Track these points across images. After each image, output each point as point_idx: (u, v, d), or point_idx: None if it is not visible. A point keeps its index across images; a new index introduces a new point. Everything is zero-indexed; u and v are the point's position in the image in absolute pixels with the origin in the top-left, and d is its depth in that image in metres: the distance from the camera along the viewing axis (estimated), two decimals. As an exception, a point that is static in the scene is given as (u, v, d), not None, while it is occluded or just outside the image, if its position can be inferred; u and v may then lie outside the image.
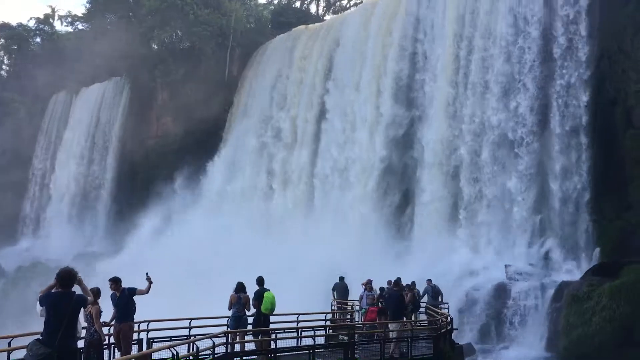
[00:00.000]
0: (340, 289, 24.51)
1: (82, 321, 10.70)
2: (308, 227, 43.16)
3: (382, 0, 45.29)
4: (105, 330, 13.52)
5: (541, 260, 30.76)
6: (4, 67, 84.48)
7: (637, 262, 25.57)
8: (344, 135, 44.11)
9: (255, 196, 49.77)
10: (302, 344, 16.44)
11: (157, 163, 59.71)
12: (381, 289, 22.28)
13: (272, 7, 70.98)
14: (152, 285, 13.82)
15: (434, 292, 24.30)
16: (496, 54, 34.80)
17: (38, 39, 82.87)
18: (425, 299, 24.33)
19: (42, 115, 73.31)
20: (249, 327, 16.35)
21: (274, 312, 16.22)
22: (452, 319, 20.98)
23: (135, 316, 13.91)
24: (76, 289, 8.58)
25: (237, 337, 15.69)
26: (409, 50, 40.80)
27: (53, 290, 8.47)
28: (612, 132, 30.83)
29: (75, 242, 60.26)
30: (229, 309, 16.27)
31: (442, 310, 22.93)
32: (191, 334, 16.13)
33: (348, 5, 71.60)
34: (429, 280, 24.84)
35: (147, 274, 13.84)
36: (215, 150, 55.13)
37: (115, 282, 13.65)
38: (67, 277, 8.32)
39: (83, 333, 12.10)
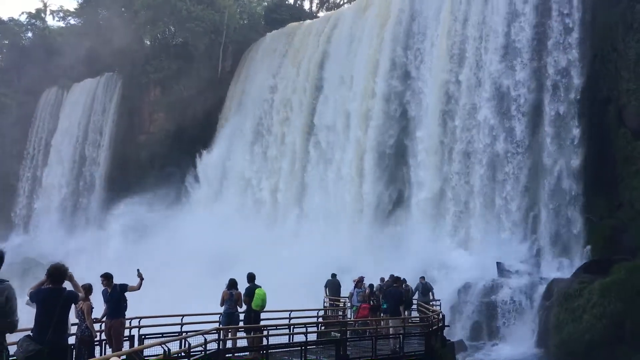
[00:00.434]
0: (333, 285, 24.53)
1: (73, 317, 10.66)
2: (300, 224, 43.21)
3: (375, -3, 45.34)
4: (96, 326, 13.46)
5: (532, 257, 30.90)
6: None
7: (628, 260, 25.73)
8: (336, 132, 44.10)
9: (248, 192, 49.73)
10: (294, 340, 16.45)
11: (150, 159, 59.56)
12: (371, 286, 22.31)
13: (266, 4, 70.82)
14: (143, 281, 13.77)
15: (424, 289, 24.35)
16: (491, 50, 34.84)
17: (30, 34, 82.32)
18: (416, 295, 24.39)
19: (34, 111, 72.89)
20: (241, 324, 16.33)
21: (265, 309, 16.21)
22: (443, 315, 21.04)
23: (127, 312, 13.87)
24: (67, 285, 8.54)
25: (229, 334, 15.66)
26: (402, 47, 40.80)
27: (44, 287, 8.43)
28: (604, 130, 30.99)
29: (67, 239, 60.04)
30: (221, 306, 16.26)
31: (434, 307, 22.99)
32: (183, 330, 16.10)
33: (341, 2, 71.54)
34: (422, 278, 24.90)
35: (138, 270, 13.77)
36: (208, 146, 55.01)
37: (106, 278, 13.56)
38: (57, 273, 8.27)
39: (73, 330, 12.04)
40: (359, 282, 22.43)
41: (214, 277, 31.11)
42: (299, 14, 64.15)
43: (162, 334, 15.56)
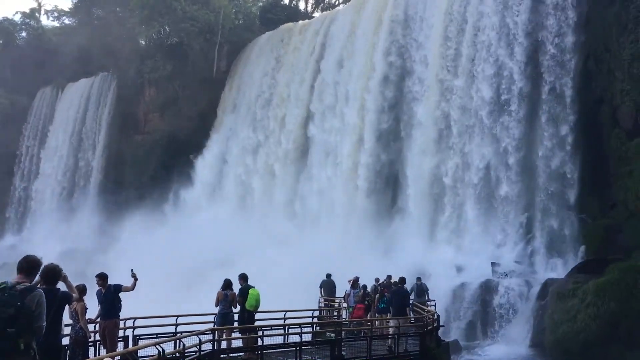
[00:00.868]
0: (328, 286, 24.54)
1: (67, 318, 10.62)
2: (295, 224, 43.19)
3: (371, -2, 45.36)
4: (90, 327, 13.42)
5: (527, 258, 30.96)
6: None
7: (622, 260, 25.80)
8: (331, 132, 44.12)
9: (243, 193, 49.69)
10: (289, 341, 16.44)
11: (144, 159, 59.41)
12: (364, 287, 22.32)
13: (261, 4, 70.74)
14: (137, 282, 13.74)
15: (420, 290, 24.36)
16: (485, 47, 34.91)
17: (24, 34, 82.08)
18: (411, 296, 24.39)
19: (28, 111, 72.67)
20: (236, 324, 16.32)
21: (260, 309, 16.19)
22: (438, 316, 21.07)
23: (121, 313, 13.84)
24: (61, 286, 8.51)
25: (224, 334, 15.65)
26: (398, 47, 40.84)
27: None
28: (598, 131, 31.08)
29: (61, 239, 59.79)
30: (216, 306, 16.25)
31: (429, 307, 23.02)
32: (178, 331, 16.08)
33: (337, 3, 71.57)
34: (418, 278, 24.89)
35: (132, 270, 13.74)
36: (203, 146, 54.93)
37: (101, 278, 13.53)
38: (51, 273, 8.23)
39: (67, 330, 12.00)
40: (355, 283, 22.44)
41: (208, 277, 31.09)
42: (294, 15, 64.14)
43: (156, 334, 15.52)
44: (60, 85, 71.12)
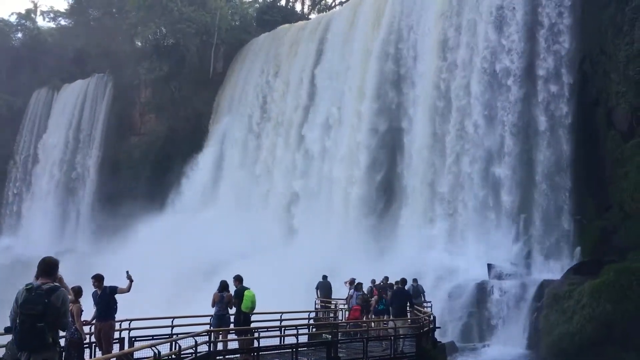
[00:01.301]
0: (324, 287, 24.53)
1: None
2: (291, 225, 43.19)
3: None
4: (86, 329, 13.40)
5: (523, 259, 31.00)
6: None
7: (617, 261, 25.87)
8: (328, 134, 44.14)
9: (239, 194, 49.64)
10: (285, 342, 16.42)
11: (141, 160, 59.35)
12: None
13: (257, 5, 70.79)
14: (132, 283, 13.72)
15: (416, 291, 24.37)
16: (480, 50, 34.96)
17: (20, 35, 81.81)
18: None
19: (24, 112, 72.47)
20: (232, 326, 16.29)
21: (255, 311, 16.17)
22: (434, 317, 21.08)
23: (117, 314, 13.81)
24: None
25: (220, 336, 15.62)
26: (395, 47, 40.87)
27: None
28: (594, 133, 31.15)
29: (57, 240, 59.71)
30: (212, 307, 16.22)
31: (425, 309, 23.02)
32: (173, 332, 16.05)
33: (333, 4, 71.64)
34: (415, 280, 24.91)
35: (127, 272, 13.72)
36: (199, 147, 54.90)
37: (97, 279, 13.51)
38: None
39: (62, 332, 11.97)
40: (358, 285, 22.33)
41: (205, 279, 31.08)
42: (291, 16, 64.21)
43: (152, 336, 15.47)
44: (56, 86, 70.97)
